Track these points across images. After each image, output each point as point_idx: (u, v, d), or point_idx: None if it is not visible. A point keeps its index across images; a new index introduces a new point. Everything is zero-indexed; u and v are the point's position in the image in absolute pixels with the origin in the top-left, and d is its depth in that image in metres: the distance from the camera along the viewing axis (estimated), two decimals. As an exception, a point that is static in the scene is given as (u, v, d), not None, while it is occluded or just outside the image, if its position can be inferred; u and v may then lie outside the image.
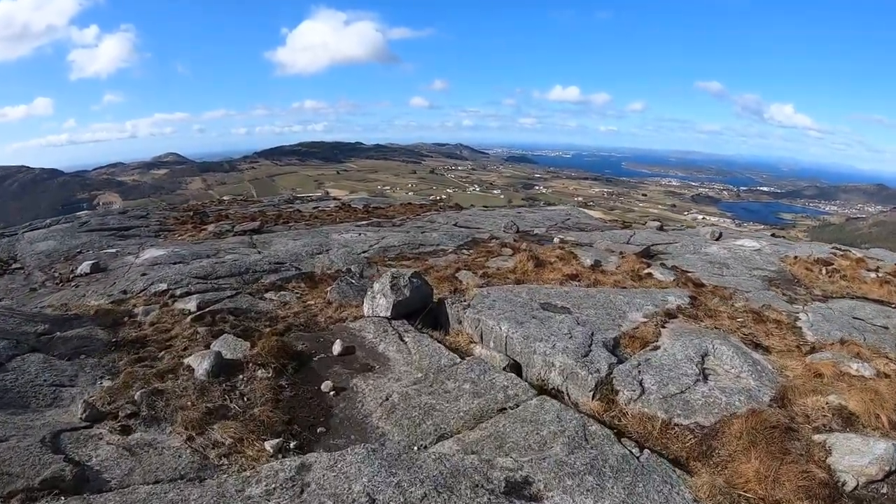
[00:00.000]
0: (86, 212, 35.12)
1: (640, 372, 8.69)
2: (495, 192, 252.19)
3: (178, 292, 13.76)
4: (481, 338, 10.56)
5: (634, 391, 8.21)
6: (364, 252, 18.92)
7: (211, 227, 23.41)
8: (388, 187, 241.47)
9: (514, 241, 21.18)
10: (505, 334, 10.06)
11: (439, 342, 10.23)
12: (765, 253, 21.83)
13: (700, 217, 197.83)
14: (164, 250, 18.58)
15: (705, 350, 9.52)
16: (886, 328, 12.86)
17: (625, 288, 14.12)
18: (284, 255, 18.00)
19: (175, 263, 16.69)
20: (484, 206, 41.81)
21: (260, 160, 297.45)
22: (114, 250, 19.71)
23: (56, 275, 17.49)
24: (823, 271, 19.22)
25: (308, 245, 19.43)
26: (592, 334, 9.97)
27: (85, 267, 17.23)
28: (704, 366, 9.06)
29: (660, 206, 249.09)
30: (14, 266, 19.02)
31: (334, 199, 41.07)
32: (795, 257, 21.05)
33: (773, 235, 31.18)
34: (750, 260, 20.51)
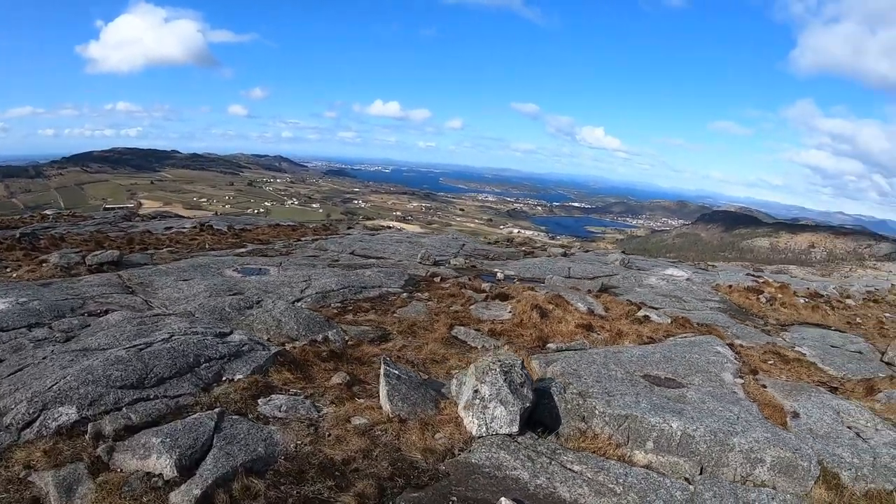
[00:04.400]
0: None
1: (831, 446, 8.07)
2: (314, 205, 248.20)
3: (106, 427, 7.21)
4: (628, 438, 8.00)
5: (852, 471, 7.49)
6: (298, 300, 14.94)
7: (53, 258, 18.28)
8: (205, 199, 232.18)
9: (470, 279, 19.14)
10: (679, 432, 7.86)
11: (604, 456, 7.68)
12: (696, 282, 22.50)
13: (515, 231, 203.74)
14: (2, 300, 13.01)
15: (833, 408, 9.58)
16: (860, 353, 15.35)
17: (658, 341, 13.21)
18: (197, 308, 13.20)
19: (34, 327, 11.17)
20: (373, 230, 38.38)
21: (68, 166, 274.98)
22: None
23: None
24: (763, 300, 20.70)
25: (214, 290, 14.94)
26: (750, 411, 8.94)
27: None
28: (846, 424, 9.00)
29: (476, 221, 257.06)
30: None
31: (176, 216, 37.77)
32: (730, 286, 22.09)
33: (700, 266, 33.12)
34: (691, 291, 20.89)
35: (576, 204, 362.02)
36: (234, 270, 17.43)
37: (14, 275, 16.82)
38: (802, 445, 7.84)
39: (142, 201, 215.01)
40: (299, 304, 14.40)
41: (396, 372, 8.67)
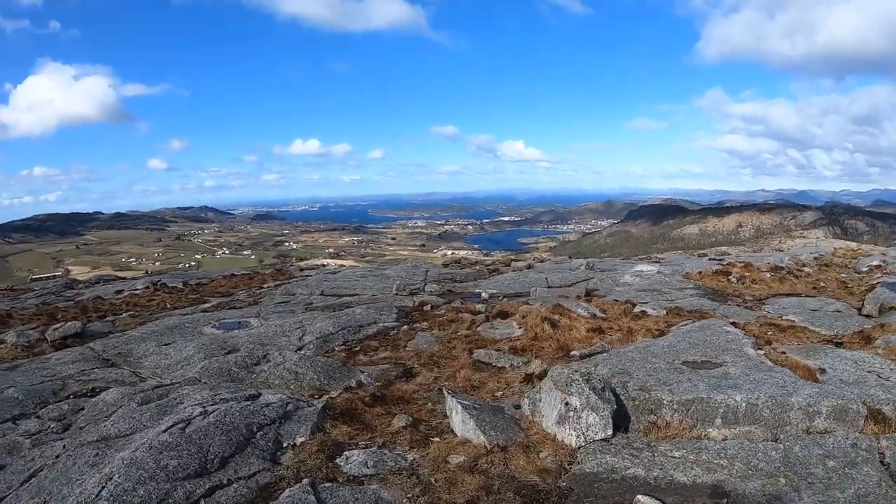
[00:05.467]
0: None
1: (864, 389, 8.85)
2: (246, 252, 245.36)
3: None
4: (697, 420, 8.30)
5: (890, 405, 8.26)
6: (300, 348, 13.99)
7: (10, 338, 17.15)
8: (134, 259, 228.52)
9: (462, 302, 18.74)
10: (744, 403, 8.29)
11: (685, 440, 8.09)
12: (666, 274, 23.04)
13: (450, 252, 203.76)
14: None
15: (849, 359, 10.46)
16: (839, 311, 17.06)
17: (666, 332, 13.34)
18: (202, 373, 11.99)
19: (20, 419, 9.90)
20: (311, 269, 37.80)
21: None
22: None
23: None
24: (733, 279, 21.70)
25: (206, 350, 13.66)
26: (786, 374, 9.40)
27: None
28: (866, 370, 9.80)
29: (409, 248, 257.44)
30: None
31: (119, 278, 36.60)
32: (699, 273, 23.04)
33: (655, 261, 32.74)
34: (665, 282, 21.43)
35: (505, 218, 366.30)
36: (212, 327, 16.46)
37: None
38: (845, 392, 8.51)
39: (69, 268, 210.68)
40: (302, 352, 13.49)
41: (468, 402, 8.38)
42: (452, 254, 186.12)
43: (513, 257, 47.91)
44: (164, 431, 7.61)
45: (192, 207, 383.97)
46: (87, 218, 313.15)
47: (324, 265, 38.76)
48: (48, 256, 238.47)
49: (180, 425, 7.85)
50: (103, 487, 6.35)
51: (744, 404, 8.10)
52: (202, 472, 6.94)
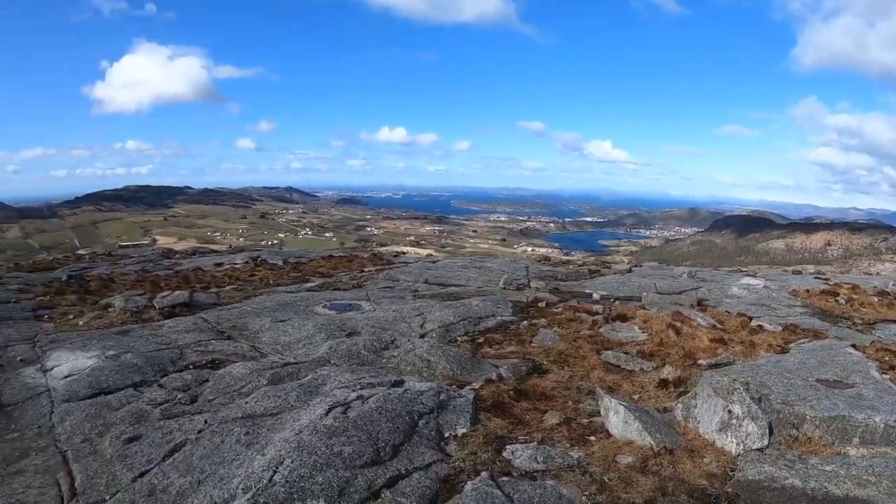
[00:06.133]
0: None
1: None
2: (327, 234, 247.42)
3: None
4: (836, 438, 8.28)
5: None
6: (422, 335, 13.99)
7: (118, 303, 17.49)
8: (219, 233, 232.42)
9: (578, 302, 18.64)
10: (882, 424, 8.18)
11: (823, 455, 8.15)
12: (773, 289, 22.39)
13: (530, 249, 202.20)
14: (87, 354, 12.24)
15: None
16: None
17: (788, 350, 13.08)
18: (330, 353, 12.04)
19: (142, 387, 10.40)
20: (422, 256, 37.90)
21: (82, 205, 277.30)
22: None
23: None
24: (841, 301, 20.90)
25: (326, 331, 13.86)
26: None
27: None
28: None
29: (490, 241, 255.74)
30: None
31: (214, 251, 37.04)
32: (807, 291, 22.31)
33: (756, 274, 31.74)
34: (773, 298, 20.99)
35: (588, 218, 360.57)
36: (324, 307, 16.65)
37: (80, 322, 16.09)
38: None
39: (156, 237, 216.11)
40: (425, 339, 13.38)
41: (625, 404, 8.42)
42: (533, 251, 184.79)
43: (602, 259, 47.35)
44: (326, 415, 7.60)
45: (277, 187, 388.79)
46: (176, 191, 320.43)
47: (403, 252, 38.87)
48: (137, 226, 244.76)
49: (339, 409, 7.80)
50: (275, 472, 6.33)
51: (882, 425, 8.05)
52: (377, 461, 6.89)
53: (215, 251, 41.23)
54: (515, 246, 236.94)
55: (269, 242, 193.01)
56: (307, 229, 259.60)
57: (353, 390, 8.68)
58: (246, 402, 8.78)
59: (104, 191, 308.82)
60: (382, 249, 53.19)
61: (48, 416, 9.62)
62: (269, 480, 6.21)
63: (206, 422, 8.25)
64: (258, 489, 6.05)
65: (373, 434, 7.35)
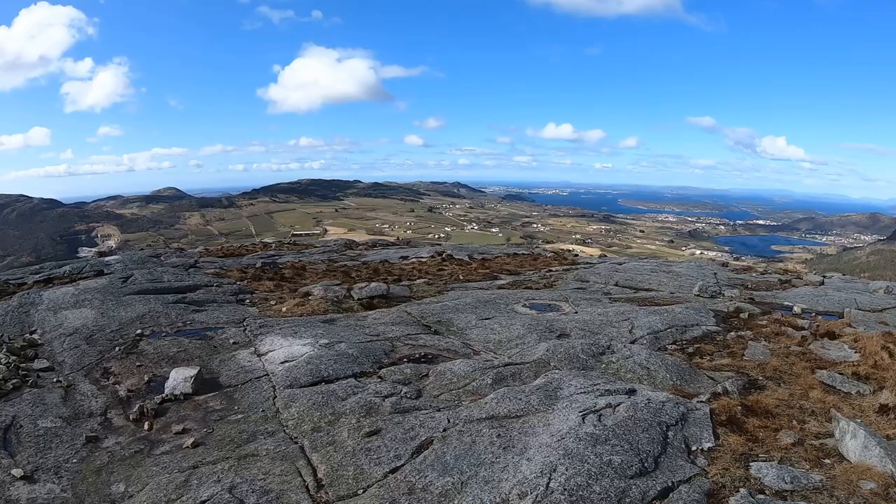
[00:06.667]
0: (115, 257, 29.72)
1: None
2: (493, 230, 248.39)
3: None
4: None
5: None
6: (632, 341, 13.58)
7: (317, 291, 17.96)
8: (387, 225, 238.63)
9: (782, 315, 17.58)
10: None
11: None
12: None
13: (698, 252, 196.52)
14: (300, 342, 12.80)
15: None
16: None
17: None
18: (549, 355, 11.79)
19: (361, 378, 10.75)
20: (612, 257, 37.26)
21: (258, 196, 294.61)
22: (199, 335, 14.03)
23: (121, 393, 11.11)
24: None
25: (536, 331, 13.75)
26: None
27: (178, 382, 10.83)
28: None
29: (657, 242, 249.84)
30: (38, 363, 12.65)
31: (390, 243, 37.64)
32: None
33: None
34: None
35: (759, 221, 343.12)
36: (523, 306, 16.64)
37: (283, 308, 16.62)
38: None
39: (327, 228, 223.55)
40: (635, 345, 13.04)
41: (866, 429, 7.92)
42: (701, 254, 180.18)
43: (778, 266, 45.33)
44: (583, 422, 7.54)
45: (445, 182, 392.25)
46: (347, 185, 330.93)
47: (569, 250, 38.25)
48: (309, 216, 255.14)
49: (592, 416, 7.81)
50: (550, 478, 6.44)
51: None
52: (643, 472, 6.89)
53: (393, 244, 41.81)
54: (683, 248, 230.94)
55: (436, 236, 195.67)
56: (473, 224, 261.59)
57: (596, 396, 8.54)
58: (485, 403, 8.95)
59: (279, 183, 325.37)
60: (548, 247, 52.74)
61: (271, 401, 10.16)
62: (546, 487, 6.31)
63: (448, 420, 8.46)
64: (536, 495, 6.18)
65: (633, 444, 7.37)
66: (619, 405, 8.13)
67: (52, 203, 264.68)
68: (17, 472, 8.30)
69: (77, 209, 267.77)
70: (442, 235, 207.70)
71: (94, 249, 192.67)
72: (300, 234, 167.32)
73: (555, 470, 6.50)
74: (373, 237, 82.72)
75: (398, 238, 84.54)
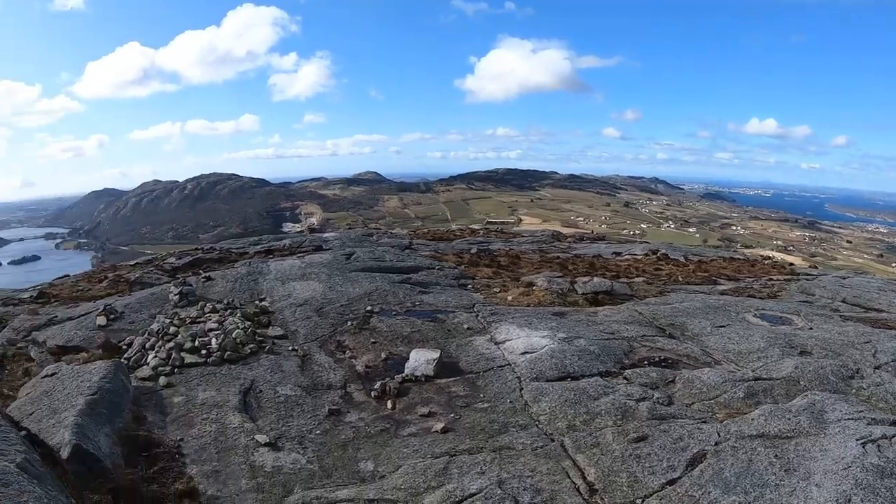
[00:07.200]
0: (332, 234, 30.87)
1: None
2: (690, 230, 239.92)
3: None
4: None
5: None
6: (877, 367, 11.98)
7: (540, 282, 17.82)
8: (582, 218, 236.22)
9: None
10: None
11: None
12: None
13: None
14: (537, 333, 12.60)
15: None
16: None
17: None
18: (801, 374, 10.97)
19: (607, 377, 10.51)
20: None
21: (455, 183, 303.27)
22: (430, 316, 14.31)
23: (359, 368, 11.66)
24: None
25: (776, 345, 12.72)
26: None
27: (420, 363, 11.03)
28: None
29: (865, 256, 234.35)
30: (272, 330, 13.45)
31: (600, 239, 37.18)
32: None
33: None
34: None
35: None
36: (754, 316, 15.71)
37: (508, 297, 16.60)
38: None
39: (521, 217, 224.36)
40: (883, 372, 11.61)
41: None
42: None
43: None
44: (864, 451, 7.10)
45: (642, 177, 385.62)
46: (543, 176, 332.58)
47: (769, 257, 36.30)
48: (504, 205, 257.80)
49: (872, 446, 7.36)
50: None
51: None
52: None
53: (600, 238, 41.34)
54: (894, 265, 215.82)
55: (631, 232, 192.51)
56: (670, 222, 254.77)
57: (865, 425, 8.07)
58: (753, 419, 8.58)
59: (476, 172, 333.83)
60: (746, 252, 50.61)
61: (517, 392, 10.10)
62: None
63: (718, 433, 8.14)
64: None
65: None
66: (893, 437, 7.55)
67: (261, 182, 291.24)
68: (261, 437, 8.69)
69: (283, 188, 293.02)
70: (637, 232, 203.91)
71: (297, 225, 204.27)
72: (494, 223, 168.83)
73: (849, 501, 6.19)
74: (572, 230, 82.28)
75: (592, 231, 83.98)
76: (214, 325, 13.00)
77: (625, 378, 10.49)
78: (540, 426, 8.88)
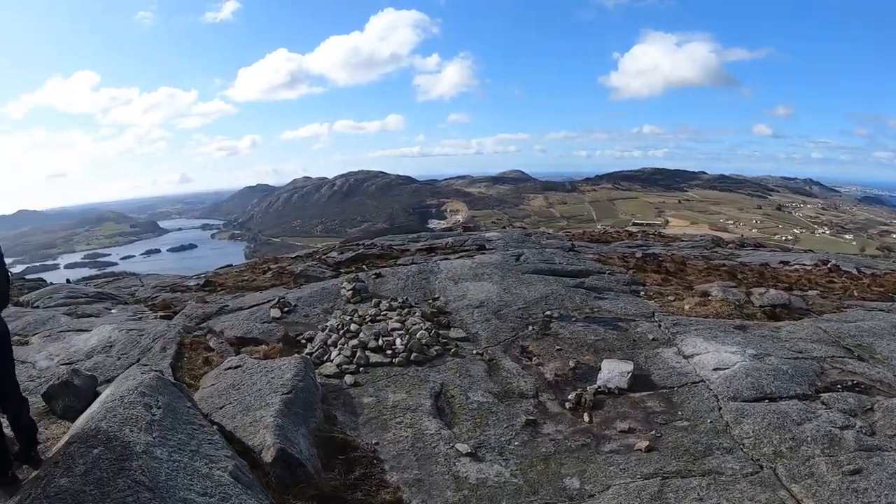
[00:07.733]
0: (494, 233, 31.04)
1: None
2: (847, 237, 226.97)
3: None
4: None
5: None
6: None
7: (716, 292, 17.16)
8: (732, 221, 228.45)
9: None
10: None
11: None
12: None
13: None
14: (727, 349, 11.89)
15: None
16: None
17: None
18: None
19: (808, 401, 9.69)
20: None
21: (601, 183, 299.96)
22: (611, 324, 13.81)
23: (548, 377, 11.19)
24: None
25: None
26: None
27: (614, 374, 10.69)
28: None
29: None
30: (454, 332, 13.22)
31: (761, 246, 36.20)
32: None
33: None
34: None
35: None
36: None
37: (685, 307, 16.13)
38: None
39: (668, 219, 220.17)
40: None
41: None
42: None
43: None
44: None
45: (796, 179, 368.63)
46: (691, 176, 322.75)
47: None
48: (651, 206, 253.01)
49: None
50: None
51: None
52: None
53: (761, 245, 40.16)
54: None
55: (783, 238, 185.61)
56: (825, 228, 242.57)
57: None
58: None
59: (622, 171, 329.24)
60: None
61: (716, 412, 9.57)
62: None
63: None
64: None
65: None
66: None
67: (407, 179, 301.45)
68: (462, 447, 8.50)
69: (429, 186, 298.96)
70: (790, 237, 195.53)
71: (442, 222, 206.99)
72: (641, 224, 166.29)
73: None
74: (720, 233, 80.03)
75: (742, 236, 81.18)
76: (397, 325, 13.11)
77: (822, 402, 10.00)
78: (745, 450, 8.46)
